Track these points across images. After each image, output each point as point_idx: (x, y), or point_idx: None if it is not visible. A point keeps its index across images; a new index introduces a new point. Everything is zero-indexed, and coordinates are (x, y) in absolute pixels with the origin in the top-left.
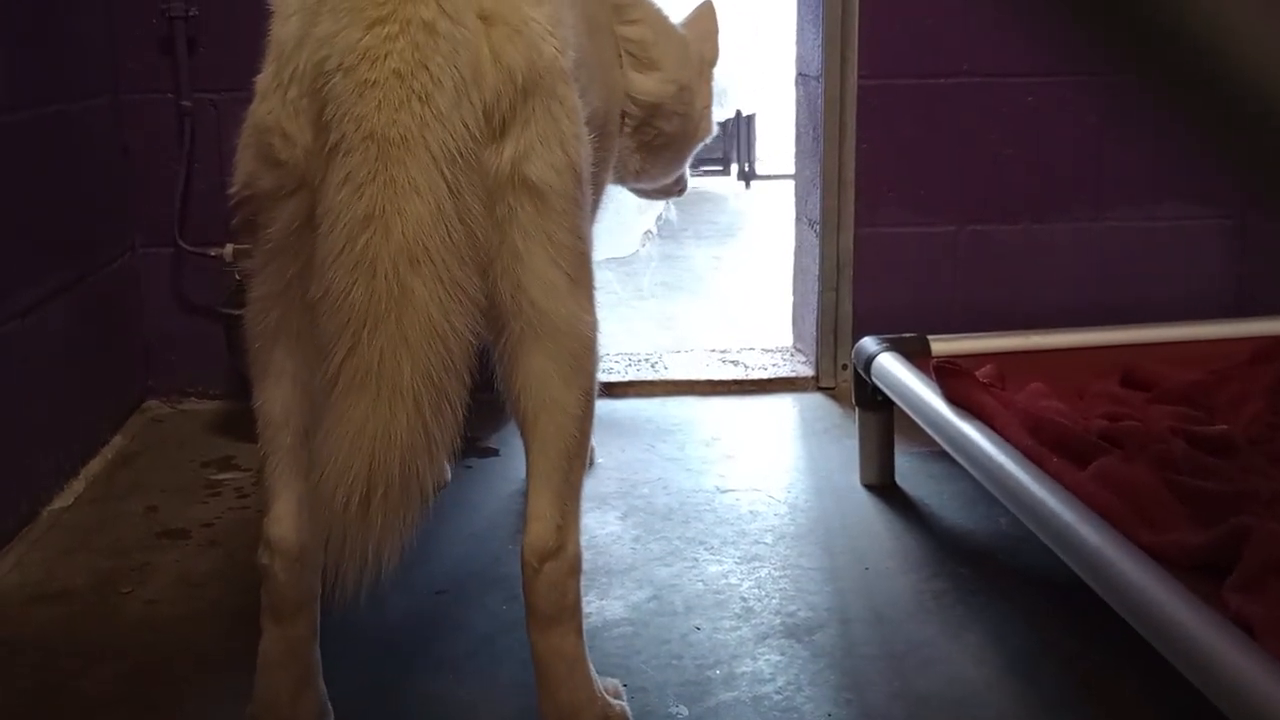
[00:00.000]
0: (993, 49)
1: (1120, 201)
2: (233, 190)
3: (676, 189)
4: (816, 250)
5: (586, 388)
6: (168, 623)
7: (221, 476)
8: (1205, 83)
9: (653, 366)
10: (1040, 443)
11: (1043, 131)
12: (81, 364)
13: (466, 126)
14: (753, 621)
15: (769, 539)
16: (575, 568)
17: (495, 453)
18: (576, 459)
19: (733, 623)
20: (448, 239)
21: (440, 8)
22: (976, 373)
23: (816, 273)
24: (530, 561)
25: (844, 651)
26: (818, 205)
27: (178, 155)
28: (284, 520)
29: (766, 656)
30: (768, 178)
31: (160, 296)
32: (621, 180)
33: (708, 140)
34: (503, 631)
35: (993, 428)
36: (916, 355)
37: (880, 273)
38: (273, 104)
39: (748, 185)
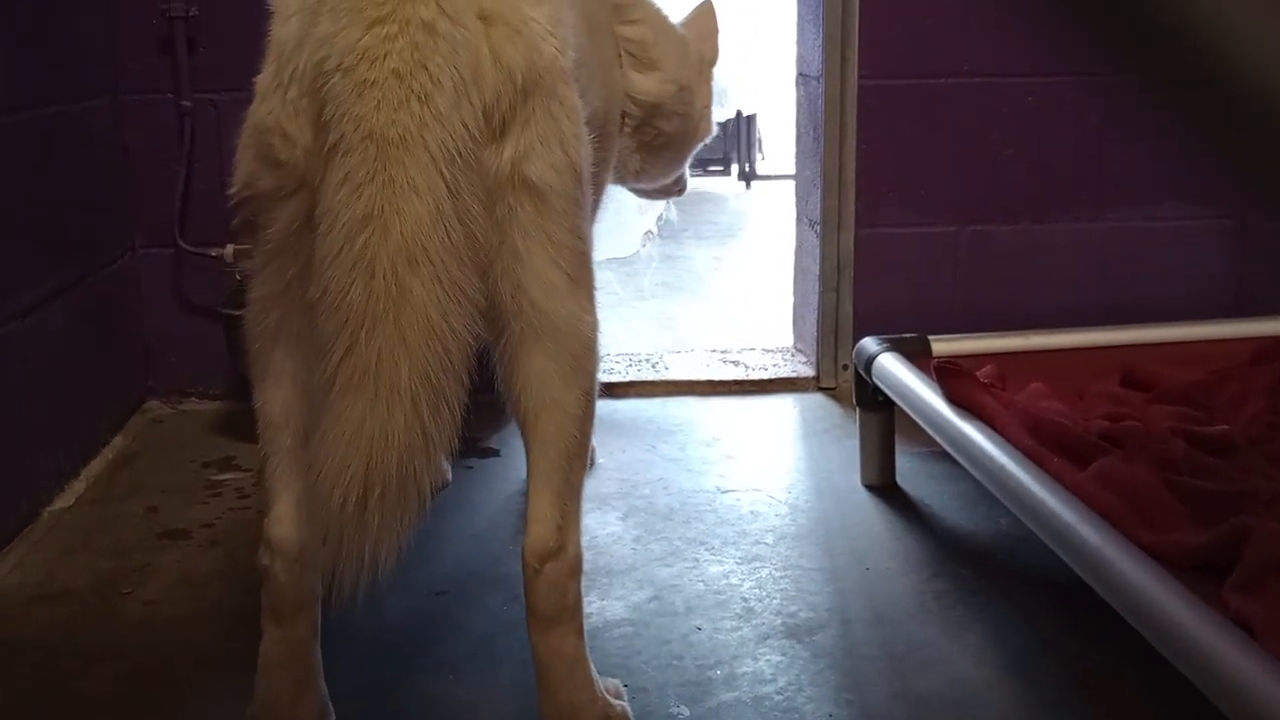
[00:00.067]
0: (993, 49)
1: (1120, 201)
2: (233, 190)
3: (676, 189)
4: (817, 250)
5: (587, 388)
6: (168, 623)
7: (222, 477)
8: (1205, 83)
9: (653, 367)
10: (1040, 443)
11: (1043, 131)
12: (82, 364)
13: (466, 126)
14: (754, 622)
15: (770, 539)
16: (576, 568)
17: (496, 453)
18: (577, 459)
19: (734, 623)
20: (446, 239)
21: (440, 8)
22: (977, 373)
23: (817, 273)
24: (531, 562)
25: (845, 652)
26: (818, 205)
27: (178, 155)
28: (285, 521)
29: (767, 657)
30: (768, 178)
31: (160, 297)
32: (621, 180)
33: (708, 140)
34: (503, 632)
35: (993, 428)
36: (917, 355)
37: (881, 273)
38: (273, 104)
39: (748, 185)
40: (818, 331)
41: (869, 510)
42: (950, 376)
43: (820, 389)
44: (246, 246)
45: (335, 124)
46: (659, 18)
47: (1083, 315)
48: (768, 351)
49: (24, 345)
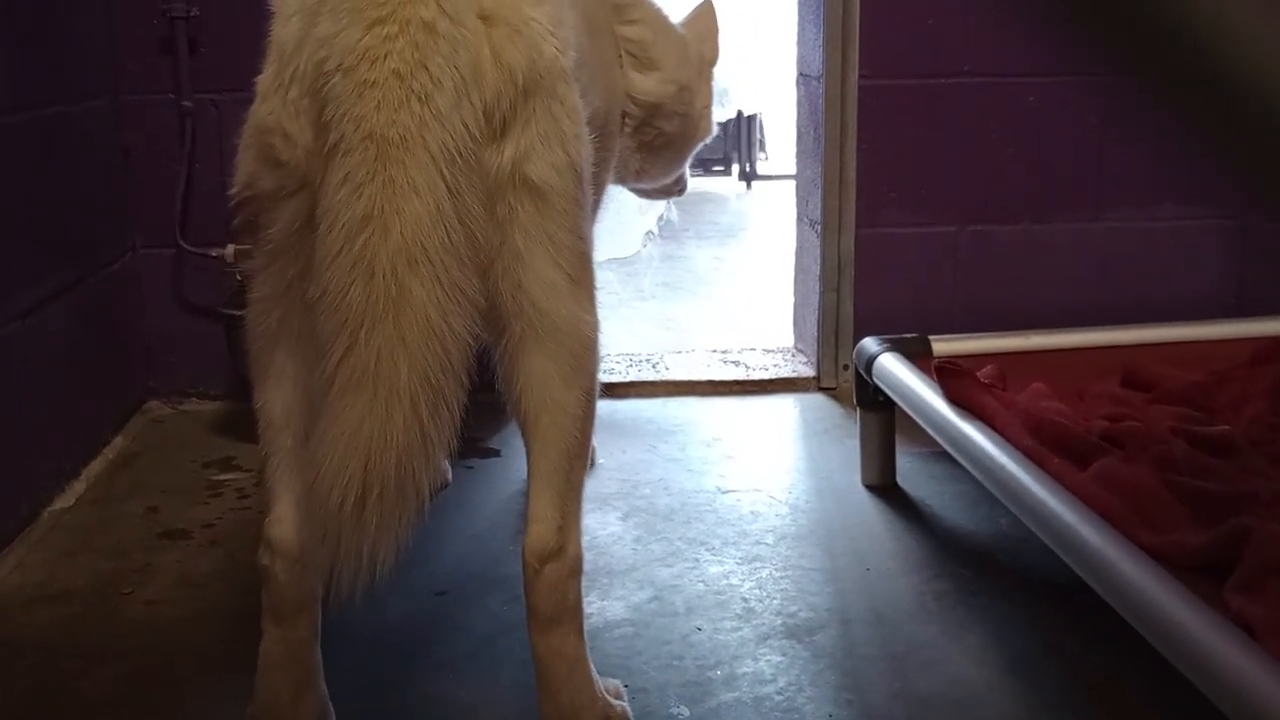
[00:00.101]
0: (993, 49)
1: (1121, 202)
2: (233, 191)
3: (676, 189)
4: (817, 251)
5: (587, 388)
6: (169, 624)
7: (222, 477)
8: (1205, 83)
9: (654, 367)
10: (1041, 443)
11: (1043, 132)
12: (82, 365)
13: (466, 127)
14: (754, 622)
15: (770, 539)
16: (576, 569)
17: (496, 453)
18: (577, 460)
19: (734, 623)
20: (446, 239)
21: (440, 8)
22: (977, 373)
23: (818, 273)
24: (531, 562)
25: (845, 652)
26: (819, 205)
27: (179, 156)
28: (285, 521)
29: (768, 657)
30: (769, 178)
31: (161, 297)
32: (621, 180)
33: (708, 140)
34: (503, 632)
35: (994, 428)
36: (917, 356)
37: (881, 273)
38: (273, 104)
39: (749, 186)
40: (818, 332)
41: (869, 510)
42: (951, 377)
43: (821, 389)
44: (247, 247)
45: (336, 124)
46: (659, 18)
47: (1083, 315)
48: (768, 352)
49: (24, 345)
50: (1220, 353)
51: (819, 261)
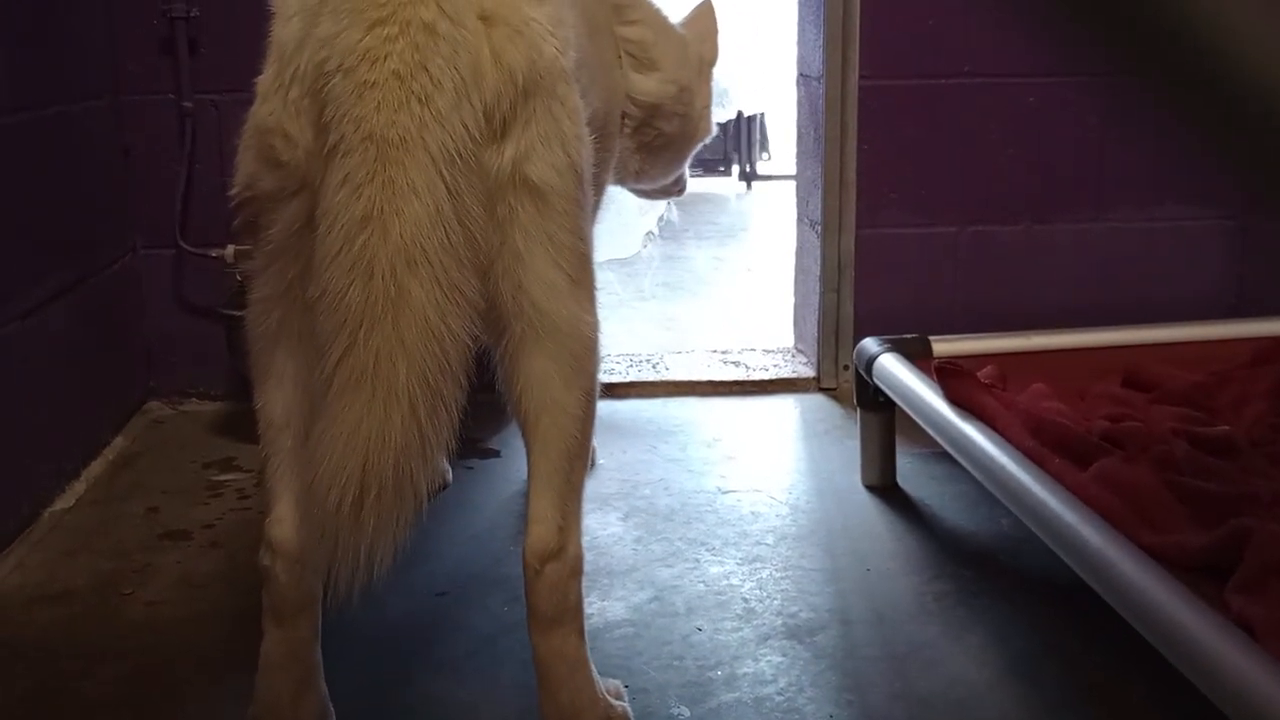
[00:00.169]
0: (993, 49)
1: (1121, 202)
2: (234, 191)
3: (676, 189)
4: (818, 251)
5: (588, 389)
6: (169, 624)
7: (223, 478)
8: (1205, 83)
9: (654, 367)
10: (1042, 444)
11: (1043, 132)
12: (82, 365)
13: (466, 128)
14: (754, 623)
15: (770, 540)
16: (577, 569)
17: (496, 454)
18: (578, 460)
19: (734, 624)
20: (446, 240)
21: (440, 9)
22: (978, 374)
23: (818, 273)
24: (531, 563)
25: (845, 653)
26: (819, 206)
27: (179, 156)
28: (285, 522)
29: (768, 658)
30: (769, 178)
31: (161, 298)
32: (621, 181)
33: (708, 140)
34: (504, 633)
35: (994, 429)
36: (918, 356)
37: (881, 273)
38: (274, 105)
39: (749, 186)
40: (818, 332)
41: (870, 511)
42: (951, 377)
43: (821, 389)
44: (247, 247)
45: (336, 125)
46: (659, 18)
47: (1083, 315)
48: (768, 352)
49: (24, 346)
50: (1221, 353)
51: (819, 262)
